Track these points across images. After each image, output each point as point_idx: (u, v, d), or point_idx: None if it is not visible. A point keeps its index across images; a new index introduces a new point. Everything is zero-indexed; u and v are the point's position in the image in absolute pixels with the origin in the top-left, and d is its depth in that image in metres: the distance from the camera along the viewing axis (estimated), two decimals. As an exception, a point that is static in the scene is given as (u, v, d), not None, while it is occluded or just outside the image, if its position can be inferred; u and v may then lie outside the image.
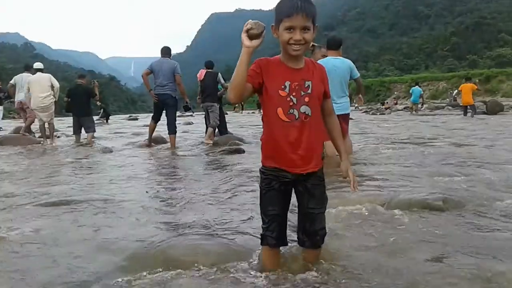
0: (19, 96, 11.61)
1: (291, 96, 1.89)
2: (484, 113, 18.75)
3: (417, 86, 25.22)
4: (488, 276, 1.91)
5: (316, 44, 6.80)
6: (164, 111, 8.54)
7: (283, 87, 1.89)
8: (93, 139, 10.81)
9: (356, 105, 6.93)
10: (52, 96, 10.37)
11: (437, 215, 2.94)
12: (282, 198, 1.99)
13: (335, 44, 6.21)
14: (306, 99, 1.91)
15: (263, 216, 2.02)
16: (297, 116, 1.90)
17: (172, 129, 8.43)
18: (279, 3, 1.90)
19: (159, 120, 8.68)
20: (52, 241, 2.64)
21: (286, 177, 1.94)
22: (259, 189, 2.03)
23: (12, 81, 12.01)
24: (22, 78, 11.60)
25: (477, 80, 41.57)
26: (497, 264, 2.05)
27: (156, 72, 8.39)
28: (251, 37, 1.78)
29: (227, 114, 14.20)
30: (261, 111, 2.05)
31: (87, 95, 10.89)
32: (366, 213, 2.98)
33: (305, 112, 1.91)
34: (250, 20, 1.80)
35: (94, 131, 11.16)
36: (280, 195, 1.98)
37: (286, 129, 1.90)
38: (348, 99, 6.21)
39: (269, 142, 1.95)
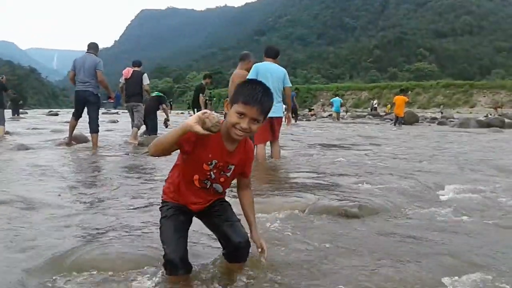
0: None
1: (212, 172, 1.97)
2: (400, 123, 19.93)
3: (337, 97, 27.40)
4: (397, 278, 2.02)
5: (246, 52, 7.00)
6: (86, 109, 8.17)
7: (209, 163, 1.94)
8: (4, 134, 10.33)
9: (285, 123, 7.17)
10: None
11: (353, 221, 3.07)
12: (184, 227, 2.03)
13: (272, 52, 6.43)
14: (222, 179, 2.01)
15: (164, 244, 1.96)
16: (207, 187, 2.01)
17: (94, 128, 8.05)
18: (242, 84, 1.91)
19: (80, 117, 8.29)
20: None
21: (188, 210, 2.04)
22: (159, 224, 2.05)
23: None
24: None
25: (409, 92, 44.35)
26: (404, 267, 2.18)
27: (78, 68, 8.02)
28: (201, 126, 1.73)
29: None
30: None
31: (0, 88, 10.65)
32: (286, 219, 3.05)
33: (215, 188, 2.03)
34: (215, 114, 1.77)
35: (3, 124, 10.71)
36: (182, 224, 2.02)
37: (195, 191, 2.00)
38: (282, 104, 6.39)
39: (174, 191, 2.04)
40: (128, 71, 9.43)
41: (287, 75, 6.34)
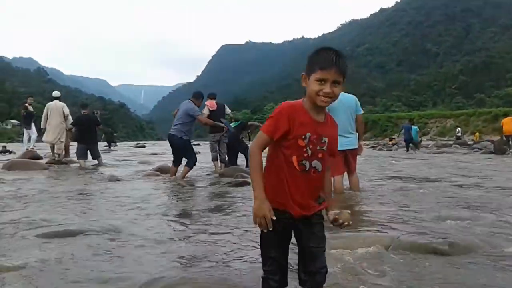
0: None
1: (308, 148, 1.90)
2: (491, 152, 18.62)
3: (412, 126, 25.84)
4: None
5: None
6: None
7: (303, 137, 1.89)
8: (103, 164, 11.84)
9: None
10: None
11: (444, 259, 2.90)
12: (284, 240, 1.97)
13: None
14: (320, 155, 1.93)
15: (264, 259, 1.98)
16: (307, 168, 1.90)
17: (188, 163, 8.49)
18: (314, 54, 1.93)
19: (180, 163, 8.70)
20: (57, 273, 2.63)
21: (289, 219, 1.92)
22: (259, 230, 1.97)
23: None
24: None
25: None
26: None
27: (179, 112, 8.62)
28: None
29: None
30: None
31: (94, 123, 11.70)
32: (372, 256, 2.95)
33: (315, 167, 1.92)
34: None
35: (100, 155, 12.20)
36: (282, 237, 1.96)
37: (296, 177, 1.90)
38: (356, 134, 6.21)
39: (274, 187, 1.92)
40: (213, 103, 9.92)
41: (358, 102, 6.18)
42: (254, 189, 1.85)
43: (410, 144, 22.77)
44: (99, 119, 12.74)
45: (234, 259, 2.90)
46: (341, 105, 6.00)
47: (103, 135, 27.92)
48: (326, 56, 1.87)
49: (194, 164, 8.59)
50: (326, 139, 1.95)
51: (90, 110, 13.22)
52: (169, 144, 8.81)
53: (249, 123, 11.83)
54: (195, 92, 9.03)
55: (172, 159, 8.79)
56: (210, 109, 9.91)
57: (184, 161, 8.63)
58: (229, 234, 3.66)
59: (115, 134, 32.98)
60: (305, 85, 1.93)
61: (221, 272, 2.63)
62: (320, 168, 1.94)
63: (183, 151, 8.56)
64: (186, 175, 8.43)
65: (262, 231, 1.94)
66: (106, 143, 27.78)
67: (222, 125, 9.24)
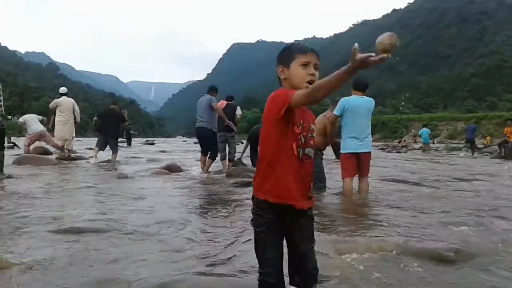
0: None
1: (302, 135, 1.93)
2: (502, 157, 18.45)
3: (424, 128, 27.02)
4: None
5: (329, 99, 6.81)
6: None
7: (298, 124, 1.92)
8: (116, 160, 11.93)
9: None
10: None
11: (449, 267, 2.89)
12: (279, 240, 1.97)
13: (362, 86, 6.08)
14: (311, 142, 1.97)
15: (260, 260, 1.95)
16: (300, 155, 1.92)
17: (211, 156, 9.38)
18: (289, 47, 2.03)
19: (207, 153, 9.38)
20: (65, 271, 2.67)
21: (286, 214, 1.91)
22: (254, 231, 1.97)
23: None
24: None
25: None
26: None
27: (198, 107, 9.32)
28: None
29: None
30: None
31: (118, 119, 12.27)
32: (375, 261, 2.96)
33: (307, 153, 1.95)
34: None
35: (117, 152, 12.35)
36: (277, 237, 1.95)
37: (293, 167, 1.91)
38: (371, 136, 6.14)
39: (270, 180, 1.91)
40: (222, 103, 9.99)
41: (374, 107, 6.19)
42: (341, 72, 1.69)
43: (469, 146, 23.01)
44: (122, 116, 12.90)
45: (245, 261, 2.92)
46: (363, 108, 5.94)
47: (124, 131, 28.23)
48: (300, 45, 1.99)
49: (216, 156, 9.43)
50: (313, 127, 2.00)
51: (119, 108, 13.51)
52: (196, 137, 9.69)
53: None
54: (211, 86, 9.84)
55: (200, 150, 9.61)
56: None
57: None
58: (231, 231, 3.68)
59: (135, 133, 33.50)
60: (284, 77, 1.98)
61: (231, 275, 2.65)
62: (311, 154, 1.98)
63: (210, 142, 9.33)
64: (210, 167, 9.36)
65: (259, 231, 1.95)
66: (125, 139, 28.03)
67: (227, 122, 9.60)
